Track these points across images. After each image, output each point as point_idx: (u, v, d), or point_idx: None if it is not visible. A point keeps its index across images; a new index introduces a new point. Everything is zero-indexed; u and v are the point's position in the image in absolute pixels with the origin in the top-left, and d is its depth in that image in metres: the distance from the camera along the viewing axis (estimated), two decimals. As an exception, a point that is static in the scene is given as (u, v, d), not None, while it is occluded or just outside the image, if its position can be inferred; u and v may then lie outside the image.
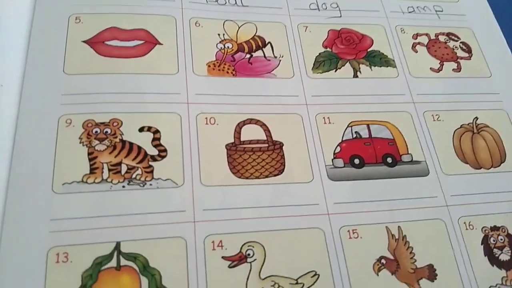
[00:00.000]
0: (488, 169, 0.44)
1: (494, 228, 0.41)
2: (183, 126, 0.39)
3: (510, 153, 0.45)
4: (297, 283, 0.35)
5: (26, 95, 0.38)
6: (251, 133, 0.41)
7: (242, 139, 0.40)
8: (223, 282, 0.34)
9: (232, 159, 0.39)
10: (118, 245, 0.34)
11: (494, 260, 0.40)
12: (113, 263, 0.33)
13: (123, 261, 0.34)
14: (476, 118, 0.46)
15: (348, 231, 0.38)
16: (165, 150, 0.38)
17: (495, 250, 0.40)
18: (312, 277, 0.36)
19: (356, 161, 0.41)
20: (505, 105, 0.47)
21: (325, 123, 0.42)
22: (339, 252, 0.37)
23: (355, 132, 0.43)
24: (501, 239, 0.40)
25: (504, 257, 0.40)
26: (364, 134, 0.43)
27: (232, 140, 0.40)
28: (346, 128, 0.43)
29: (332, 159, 0.41)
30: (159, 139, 0.38)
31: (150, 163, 0.37)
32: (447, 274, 0.38)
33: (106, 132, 0.37)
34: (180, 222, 0.36)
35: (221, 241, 0.36)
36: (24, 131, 0.36)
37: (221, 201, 0.37)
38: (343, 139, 0.42)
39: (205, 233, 0.36)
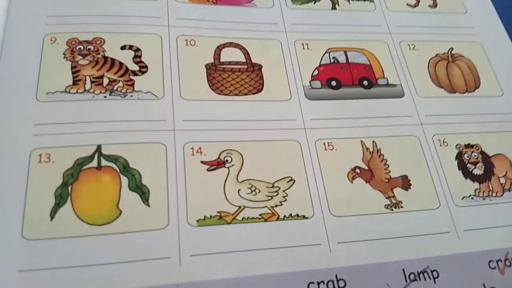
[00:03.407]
0: (463, 93, 0.45)
1: (468, 146, 0.42)
2: (163, 46, 0.40)
3: (484, 80, 0.46)
4: (273, 186, 0.36)
5: (13, 15, 0.39)
6: (230, 55, 0.42)
7: (221, 60, 0.41)
8: (202, 183, 0.35)
9: (212, 77, 0.40)
10: (99, 147, 0.35)
11: (467, 174, 0.41)
12: (94, 163, 0.35)
13: (104, 162, 0.35)
14: (451, 48, 0.47)
15: (324, 143, 0.39)
16: (145, 67, 0.39)
17: (468, 165, 0.41)
18: (288, 182, 0.37)
19: (333, 83, 0.43)
20: (479, 38, 0.49)
21: (303, 48, 0.44)
22: (314, 161, 0.38)
23: (333, 57, 0.44)
24: (475, 156, 0.42)
25: (477, 171, 0.41)
26: (342, 59, 0.44)
27: (212, 61, 0.41)
28: (324, 54, 0.44)
29: (310, 81, 0.42)
30: (140, 56, 0.39)
31: (131, 77, 0.38)
32: (421, 184, 0.39)
33: (89, 49, 0.39)
34: (160, 130, 0.37)
35: (200, 148, 0.37)
36: (10, 46, 0.38)
37: (200, 114, 0.38)
38: (321, 63, 0.44)
39: (185, 140, 0.37)
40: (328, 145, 0.39)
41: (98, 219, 0.33)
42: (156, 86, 0.38)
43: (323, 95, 0.42)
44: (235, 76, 0.41)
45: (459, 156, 0.41)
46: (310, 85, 0.42)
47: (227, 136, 0.38)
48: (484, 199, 0.40)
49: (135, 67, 0.39)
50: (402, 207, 0.38)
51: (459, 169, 0.41)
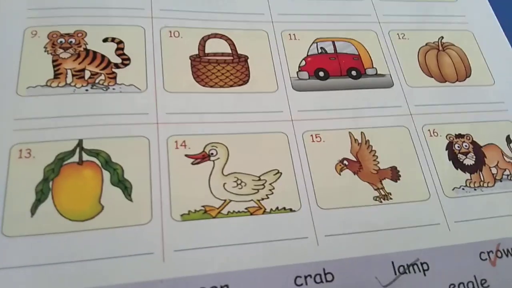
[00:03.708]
0: (453, 82, 0.44)
1: (459, 136, 0.41)
2: (146, 38, 0.40)
3: (475, 69, 0.45)
4: (259, 179, 0.36)
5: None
6: (215, 46, 0.41)
7: (206, 52, 0.40)
8: (186, 177, 0.35)
9: (196, 69, 0.39)
10: (80, 142, 0.34)
11: (458, 164, 0.40)
12: (75, 158, 0.34)
13: (86, 157, 0.34)
14: (442, 37, 0.46)
15: (311, 135, 0.38)
16: (128, 59, 0.38)
17: (459, 155, 0.40)
18: (274, 174, 0.36)
19: (321, 73, 0.42)
20: (470, 27, 0.48)
21: (290, 39, 0.43)
22: (301, 154, 0.37)
23: (321, 47, 0.43)
24: (466, 146, 0.41)
25: (468, 161, 0.40)
26: (330, 49, 0.43)
27: (197, 52, 0.40)
28: (311, 44, 0.43)
29: (297, 72, 0.41)
30: (122, 49, 0.39)
31: (113, 70, 0.38)
32: (411, 175, 0.39)
33: (71, 42, 0.38)
34: (142, 123, 0.36)
35: (184, 141, 0.36)
36: (-12, 40, 0.37)
37: (185, 106, 0.38)
38: (309, 54, 0.43)
39: (168, 134, 0.36)
40: (316, 137, 0.38)
41: (79, 214, 0.32)
42: (139, 79, 0.38)
43: (311, 86, 0.41)
44: (221, 68, 0.40)
45: (449, 146, 0.40)
46: (298, 76, 0.41)
47: (212, 129, 0.37)
48: (475, 189, 0.39)
49: (118, 60, 0.38)
50: (391, 198, 0.37)
51: (449, 160, 0.40)
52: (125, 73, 0.38)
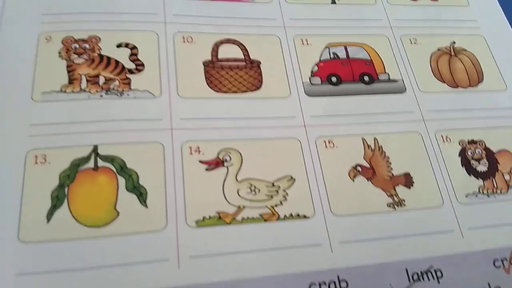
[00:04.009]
0: (466, 88, 0.44)
1: (472, 142, 0.41)
2: (160, 44, 0.40)
3: (487, 74, 0.45)
4: (273, 185, 0.36)
5: (7, 14, 0.38)
6: (228, 52, 0.41)
7: (219, 57, 0.41)
8: (200, 183, 0.35)
9: (210, 74, 0.39)
10: (95, 148, 0.34)
11: (471, 171, 0.40)
12: (90, 164, 0.34)
13: (101, 163, 0.34)
14: (454, 42, 0.46)
15: (324, 141, 0.38)
16: (142, 65, 0.38)
17: (472, 161, 0.40)
18: (288, 180, 0.36)
19: (333, 79, 0.42)
20: (482, 31, 0.48)
21: (303, 44, 0.43)
22: (314, 160, 0.37)
23: (333, 53, 0.43)
24: (478, 152, 0.41)
25: (481, 168, 0.40)
26: (342, 55, 0.43)
27: (210, 58, 0.40)
28: (323, 49, 0.43)
29: (310, 77, 0.41)
30: (136, 54, 0.39)
31: (128, 75, 0.38)
32: (424, 181, 0.39)
33: (85, 47, 0.38)
34: (157, 129, 0.36)
35: (198, 147, 0.36)
36: (4, 45, 0.37)
37: (198, 112, 0.38)
38: (321, 59, 0.43)
39: (183, 140, 0.36)
40: (329, 143, 0.38)
41: (95, 220, 0.32)
42: (153, 84, 0.38)
43: (323, 92, 0.41)
44: (233, 73, 0.40)
45: (462, 153, 0.40)
46: (310, 82, 0.41)
47: (226, 135, 0.37)
48: (488, 196, 0.39)
49: (132, 65, 0.38)
50: (404, 205, 0.37)
51: (462, 166, 0.40)
52: (139, 79, 0.38)
